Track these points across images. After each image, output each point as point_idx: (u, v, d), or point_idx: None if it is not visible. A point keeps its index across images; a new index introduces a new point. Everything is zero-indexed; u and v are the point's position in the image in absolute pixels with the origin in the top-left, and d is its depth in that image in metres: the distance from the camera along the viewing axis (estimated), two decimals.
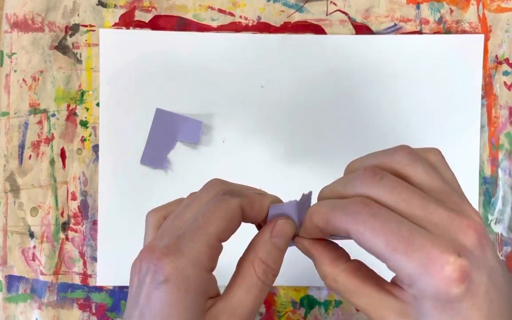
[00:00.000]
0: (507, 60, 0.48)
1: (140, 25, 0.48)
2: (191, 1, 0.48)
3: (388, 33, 0.48)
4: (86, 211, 0.48)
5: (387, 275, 0.26)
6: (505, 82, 0.48)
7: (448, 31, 0.48)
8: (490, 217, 0.48)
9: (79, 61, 0.48)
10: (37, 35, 0.48)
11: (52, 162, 0.48)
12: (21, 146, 0.48)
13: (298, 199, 0.30)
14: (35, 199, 0.48)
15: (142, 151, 0.48)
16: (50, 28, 0.48)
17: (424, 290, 0.24)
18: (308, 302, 0.48)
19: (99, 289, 0.48)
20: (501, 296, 0.24)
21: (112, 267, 0.47)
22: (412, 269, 0.23)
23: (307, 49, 0.48)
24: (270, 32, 0.48)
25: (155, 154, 0.48)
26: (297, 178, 0.48)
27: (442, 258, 0.23)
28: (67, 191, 0.48)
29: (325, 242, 0.29)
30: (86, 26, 0.48)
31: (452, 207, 0.25)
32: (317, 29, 0.48)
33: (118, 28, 0.48)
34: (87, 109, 0.48)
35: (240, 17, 0.48)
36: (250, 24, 0.48)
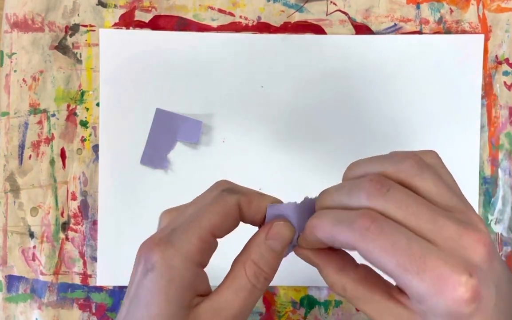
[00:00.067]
0: (507, 60, 0.48)
1: (140, 25, 0.48)
2: (191, 1, 0.48)
3: (388, 33, 0.48)
4: (86, 211, 0.48)
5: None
6: (505, 82, 0.48)
7: (448, 31, 0.48)
8: (490, 217, 0.48)
9: (79, 61, 0.48)
10: (37, 35, 0.48)
11: (52, 162, 0.48)
12: (21, 146, 0.48)
13: (298, 201, 0.29)
14: (35, 199, 0.48)
15: (142, 151, 0.48)
16: (50, 28, 0.48)
17: (435, 308, 0.23)
18: (308, 302, 0.48)
19: (99, 289, 0.48)
20: (507, 305, 0.24)
21: (112, 267, 0.47)
22: (424, 289, 0.23)
23: (307, 49, 0.48)
24: (270, 32, 0.48)
25: (155, 154, 0.48)
26: (297, 178, 0.48)
27: (454, 278, 0.23)
28: (67, 191, 0.48)
29: (329, 250, 0.28)
30: (86, 26, 0.48)
31: (460, 218, 0.25)
32: (317, 29, 0.48)
33: (118, 28, 0.48)
34: (87, 109, 0.48)
35: (240, 17, 0.48)
36: (250, 24, 0.48)
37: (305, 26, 0.48)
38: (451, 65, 0.48)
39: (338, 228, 0.25)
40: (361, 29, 0.48)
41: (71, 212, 0.48)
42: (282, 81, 0.48)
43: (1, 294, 0.47)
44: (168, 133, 0.47)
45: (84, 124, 0.48)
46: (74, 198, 0.48)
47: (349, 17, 0.48)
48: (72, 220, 0.48)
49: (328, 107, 0.48)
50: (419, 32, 0.48)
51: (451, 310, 0.23)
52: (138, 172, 0.48)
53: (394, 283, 0.26)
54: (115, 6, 0.48)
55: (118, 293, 0.48)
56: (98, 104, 0.48)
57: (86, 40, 0.48)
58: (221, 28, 0.48)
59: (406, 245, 0.23)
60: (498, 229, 0.48)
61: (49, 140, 0.48)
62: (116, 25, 0.48)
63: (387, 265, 0.23)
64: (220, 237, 0.28)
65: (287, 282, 0.47)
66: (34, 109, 0.48)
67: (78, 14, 0.48)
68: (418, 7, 0.48)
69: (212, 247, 0.28)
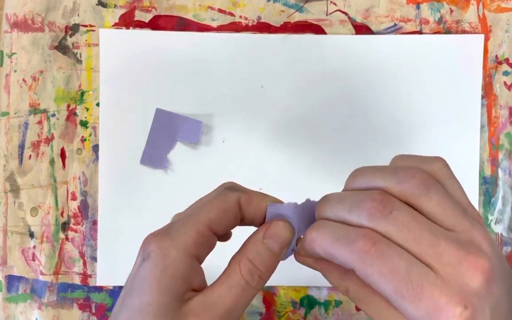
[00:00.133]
0: (507, 60, 0.48)
1: (140, 25, 0.48)
2: (191, 1, 0.48)
3: (388, 33, 0.48)
4: (86, 211, 0.48)
5: None
6: (505, 82, 0.48)
7: (448, 31, 0.48)
8: (490, 217, 0.48)
9: (79, 61, 0.48)
10: (37, 35, 0.48)
11: (52, 162, 0.48)
12: (21, 146, 0.48)
13: (299, 202, 0.29)
14: (35, 199, 0.48)
15: (142, 151, 0.48)
16: (50, 28, 0.48)
17: None
18: (308, 302, 0.48)
19: (99, 289, 0.48)
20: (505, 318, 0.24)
21: (112, 267, 0.47)
22: (418, 317, 0.23)
23: (307, 49, 0.48)
24: (270, 32, 0.48)
25: (155, 154, 0.48)
26: (297, 178, 0.48)
27: (448, 310, 0.23)
28: (67, 191, 0.48)
29: None
30: (86, 26, 0.48)
31: (463, 239, 0.24)
32: (317, 29, 0.48)
33: (118, 28, 0.48)
34: (87, 109, 0.48)
35: (240, 17, 0.48)
36: (250, 24, 0.48)
37: (305, 26, 0.48)
38: (451, 65, 0.48)
39: (336, 246, 0.25)
40: (361, 29, 0.48)
41: (71, 212, 0.48)
42: (282, 81, 0.48)
43: (1, 294, 0.47)
44: (168, 133, 0.47)
45: (84, 124, 0.48)
46: (74, 198, 0.48)
47: (349, 17, 0.48)
48: (72, 220, 0.48)
49: (328, 107, 0.48)
50: (419, 32, 0.48)
51: None
52: (138, 172, 0.48)
53: None
54: (115, 6, 0.48)
55: (118, 293, 0.48)
56: (98, 104, 0.48)
57: (86, 40, 0.48)
58: (221, 28, 0.48)
59: (405, 271, 0.23)
60: (498, 229, 0.48)
61: (49, 140, 0.48)
62: (116, 25, 0.48)
63: (385, 289, 0.24)
64: (219, 233, 0.28)
65: (287, 282, 0.47)
66: (34, 109, 0.48)
67: (78, 14, 0.48)
68: (418, 7, 0.48)
69: (210, 242, 0.28)
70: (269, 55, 0.48)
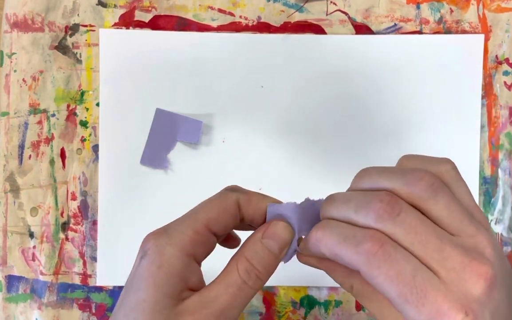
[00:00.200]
0: (507, 60, 0.48)
1: (140, 25, 0.48)
2: (191, 1, 0.48)
3: (388, 33, 0.48)
4: (86, 211, 0.48)
5: None
6: (505, 82, 0.48)
7: (448, 31, 0.48)
8: (490, 217, 0.48)
9: (79, 61, 0.48)
10: (37, 35, 0.48)
11: (52, 162, 0.48)
12: (21, 146, 0.48)
13: (298, 201, 0.29)
14: (35, 199, 0.48)
15: (142, 151, 0.48)
16: (50, 28, 0.48)
17: None
18: (308, 302, 0.48)
19: (99, 289, 0.48)
20: None
21: (112, 267, 0.47)
22: None
23: (307, 49, 0.48)
24: (270, 32, 0.48)
25: (155, 154, 0.48)
26: (297, 178, 0.48)
27: (450, 315, 0.23)
28: (67, 191, 0.48)
29: None
30: (86, 26, 0.48)
31: (468, 244, 0.24)
32: (317, 29, 0.48)
33: (118, 28, 0.48)
34: (87, 109, 0.48)
35: (240, 17, 0.48)
36: (250, 24, 0.48)
37: (305, 26, 0.48)
38: (451, 65, 0.48)
39: (343, 247, 0.25)
40: (361, 29, 0.48)
41: (71, 212, 0.48)
42: (282, 81, 0.48)
43: (1, 294, 0.47)
44: (168, 133, 0.47)
45: (84, 124, 0.48)
46: (74, 198, 0.48)
47: (349, 17, 0.48)
48: (72, 220, 0.48)
49: (328, 107, 0.48)
50: (419, 32, 0.48)
51: None
52: (138, 172, 0.48)
53: None
54: (115, 6, 0.48)
55: (118, 293, 0.48)
56: (98, 104, 0.48)
57: (86, 40, 0.48)
58: (221, 28, 0.48)
59: (410, 276, 0.23)
60: (498, 229, 0.48)
61: (49, 140, 0.48)
62: (116, 25, 0.48)
63: (389, 293, 0.24)
64: (218, 233, 0.28)
65: (287, 282, 0.47)
66: (34, 109, 0.48)
67: (78, 14, 0.48)
68: (418, 7, 0.48)
69: (208, 242, 0.28)
70: (269, 55, 0.48)
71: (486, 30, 0.48)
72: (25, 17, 0.48)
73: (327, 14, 0.49)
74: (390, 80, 0.48)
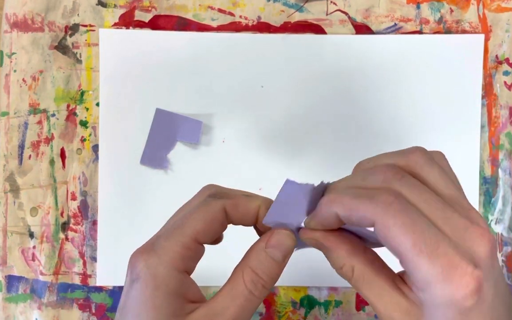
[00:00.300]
0: (507, 60, 0.48)
1: (140, 25, 0.48)
2: (191, 1, 0.48)
3: (388, 33, 0.48)
4: (86, 211, 0.48)
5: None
6: (505, 82, 0.48)
7: (448, 31, 0.48)
8: (490, 217, 0.48)
9: (79, 61, 0.48)
10: (37, 35, 0.48)
11: (52, 162, 0.48)
12: (21, 146, 0.48)
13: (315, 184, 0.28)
14: (35, 199, 0.48)
15: (142, 151, 0.47)
16: (50, 28, 0.48)
17: (438, 297, 0.24)
18: (308, 302, 0.48)
19: (99, 289, 0.48)
20: (503, 305, 0.25)
21: (112, 267, 0.47)
22: (432, 274, 0.23)
23: (307, 49, 0.48)
24: (270, 32, 0.48)
25: (155, 154, 0.48)
26: (297, 178, 0.47)
27: (462, 267, 0.23)
28: (67, 191, 0.48)
29: (339, 232, 0.28)
30: (86, 26, 0.48)
31: (465, 214, 0.25)
32: (317, 29, 0.48)
33: (118, 28, 0.48)
34: (87, 109, 0.48)
35: (240, 17, 0.48)
36: (250, 24, 0.48)
37: (305, 26, 0.48)
38: (451, 65, 0.48)
39: (359, 201, 0.25)
40: (361, 29, 0.48)
41: (71, 212, 0.48)
42: (282, 81, 0.48)
43: (1, 294, 0.47)
44: (168, 133, 0.47)
45: (84, 124, 0.48)
46: (74, 198, 0.48)
47: (349, 17, 0.48)
48: (72, 220, 0.48)
49: (328, 107, 0.48)
50: (419, 32, 0.48)
51: (455, 300, 0.23)
52: (138, 172, 0.48)
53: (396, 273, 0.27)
54: (115, 6, 0.48)
55: (118, 293, 0.48)
56: (98, 104, 0.48)
57: (86, 40, 0.48)
58: (221, 28, 0.48)
59: (425, 227, 0.24)
60: (498, 229, 0.48)
61: (49, 140, 0.48)
62: (116, 25, 0.48)
63: (403, 243, 0.24)
64: (206, 242, 0.28)
65: (287, 282, 0.47)
66: (34, 109, 0.48)
67: (78, 14, 0.48)
68: (418, 7, 0.48)
69: (198, 253, 0.28)
70: (269, 55, 0.48)
71: (486, 30, 0.48)
72: (25, 17, 0.48)
73: (327, 14, 0.49)
74: (390, 80, 0.48)
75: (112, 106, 0.48)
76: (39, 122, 0.48)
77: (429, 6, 0.48)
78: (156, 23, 0.48)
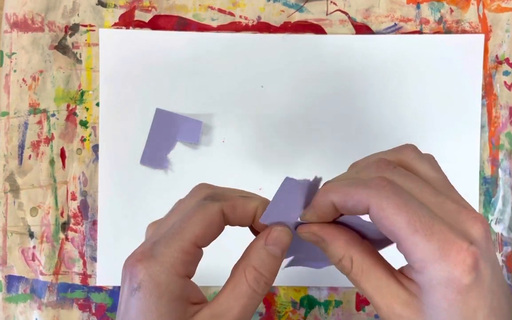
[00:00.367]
0: (507, 60, 0.48)
1: (140, 25, 0.48)
2: (191, 1, 0.48)
3: (388, 33, 0.48)
4: (86, 211, 0.48)
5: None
6: (505, 82, 0.48)
7: (448, 31, 0.48)
8: (490, 217, 0.48)
9: (79, 61, 0.48)
10: (37, 35, 0.48)
11: (52, 162, 0.48)
12: (21, 146, 0.48)
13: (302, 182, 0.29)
14: (35, 199, 0.48)
15: (142, 151, 0.47)
16: (50, 28, 0.48)
17: (436, 277, 0.24)
18: (308, 302, 0.48)
19: (99, 289, 0.48)
20: (501, 289, 0.25)
21: (112, 267, 0.47)
22: (429, 253, 0.24)
23: (307, 49, 0.48)
24: (270, 32, 0.48)
25: (155, 154, 0.48)
26: (297, 178, 0.48)
27: (457, 243, 0.24)
28: (67, 191, 0.48)
29: (335, 224, 0.28)
30: (86, 26, 0.48)
31: (457, 201, 0.26)
32: (317, 29, 0.48)
33: (118, 28, 0.48)
34: (87, 109, 0.48)
35: (240, 17, 0.48)
36: (250, 24, 0.48)
37: (305, 26, 0.48)
38: (451, 65, 0.48)
39: (354, 186, 0.26)
40: (361, 29, 0.48)
41: (71, 212, 0.48)
42: (282, 81, 0.48)
43: (1, 294, 0.47)
44: (168, 133, 0.47)
45: (84, 124, 0.48)
46: (74, 198, 0.48)
47: (349, 17, 0.48)
48: (72, 220, 0.48)
49: (328, 107, 0.48)
50: (419, 32, 0.48)
51: (452, 278, 0.24)
52: (138, 172, 0.48)
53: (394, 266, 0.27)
54: (115, 6, 0.48)
55: (118, 293, 0.48)
56: (98, 104, 0.48)
57: (86, 40, 0.48)
58: (221, 28, 0.48)
59: (417, 208, 0.24)
60: (498, 229, 0.48)
61: (49, 140, 0.48)
62: (116, 25, 0.48)
63: (398, 223, 0.24)
64: (204, 246, 0.28)
65: (287, 282, 0.47)
66: (34, 109, 0.48)
67: (78, 14, 0.48)
68: (418, 7, 0.48)
69: (197, 256, 0.28)
70: (269, 55, 0.48)
71: (486, 30, 0.48)
72: (25, 17, 0.48)
73: (327, 14, 0.49)
74: (390, 80, 0.48)
75: (112, 106, 0.48)
76: (39, 122, 0.48)
77: (429, 6, 0.48)
78: (156, 23, 0.48)
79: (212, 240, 0.28)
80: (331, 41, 0.48)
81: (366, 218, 0.26)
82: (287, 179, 0.28)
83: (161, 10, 0.48)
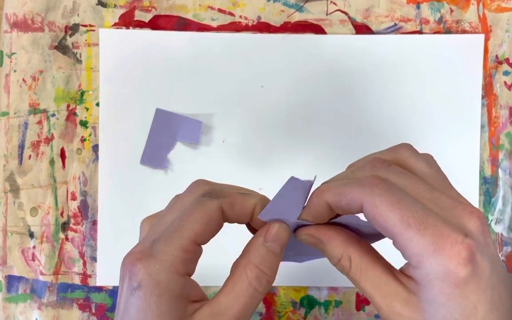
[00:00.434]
0: (507, 60, 0.48)
1: (140, 25, 0.48)
2: (191, 1, 0.48)
3: (388, 33, 0.48)
4: (86, 211, 0.48)
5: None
6: (505, 82, 0.48)
7: (448, 31, 0.48)
8: (490, 217, 0.48)
9: (79, 61, 0.48)
10: (37, 35, 0.48)
11: (52, 162, 0.48)
12: (21, 146, 0.48)
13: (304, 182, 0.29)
14: (35, 199, 0.48)
15: (142, 151, 0.47)
16: (50, 28, 0.48)
17: (432, 271, 0.24)
18: (308, 302, 0.48)
19: (99, 289, 0.48)
20: (502, 284, 0.25)
21: (112, 267, 0.47)
22: (423, 247, 0.24)
23: (307, 49, 0.48)
24: (270, 32, 0.48)
25: (155, 154, 0.48)
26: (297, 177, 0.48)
27: (452, 237, 0.24)
28: (67, 191, 0.48)
29: (331, 225, 0.28)
30: (86, 26, 0.48)
31: (453, 197, 0.26)
32: (317, 29, 0.48)
33: (118, 28, 0.48)
34: (87, 109, 0.48)
35: (240, 17, 0.48)
36: (250, 24, 0.48)
37: (305, 26, 0.48)
38: (451, 65, 0.48)
39: (347, 186, 0.26)
40: (361, 29, 0.48)
41: (71, 212, 0.48)
42: (282, 81, 0.48)
43: (1, 294, 0.47)
44: (168, 133, 0.47)
45: (84, 124, 0.48)
46: (74, 198, 0.48)
47: (349, 17, 0.48)
48: (72, 220, 0.48)
49: (328, 107, 0.48)
50: (419, 32, 0.48)
51: (447, 271, 0.23)
52: (138, 172, 0.48)
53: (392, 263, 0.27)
54: (115, 6, 0.48)
55: (118, 293, 0.47)
56: (98, 104, 0.48)
57: (86, 40, 0.48)
58: (221, 28, 0.48)
59: (410, 204, 0.24)
60: (498, 229, 0.48)
61: (49, 140, 0.48)
62: (116, 25, 0.48)
63: (391, 219, 0.24)
64: (204, 243, 0.28)
65: (287, 282, 0.47)
66: (34, 109, 0.48)
67: (78, 14, 0.48)
68: (418, 7, 0.48)
69: (196, 254, 0.28)
70: (269, 55, 0.48)
71: (486, 30, 0.48)
72: (25, 17, 0.48)
73: (327, 14, 0.49)
74: (390, 80, 0.48)
75: (112, 106, 0.48)
76: (39, 122, 0.48)
77: (429, 6, 0.48)
78: (156, 23, 0.48)
79: (211, 237, 0.28)
80: (331, 41, 0.48)
81: (362, 217, 0.27)
82: (292, 178, 0.28)
83: (161, 10, 0.48)
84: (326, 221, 0.28)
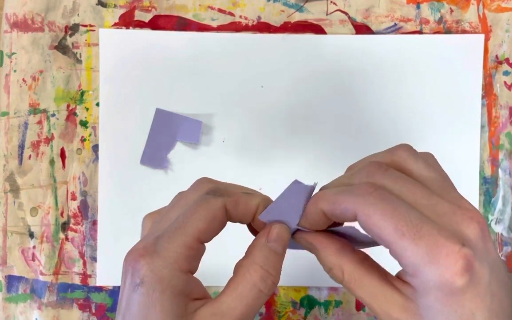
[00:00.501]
0: (507, 60, 0.48)
1: (140, 25, 0.48)
2: (191, 1, 0.48)
3: (388, 33, 0.48)
4: (86, 211, 0.48)
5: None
6: (505, 82, 0.48)
7: (448, 31, 0.48)
8: (490, 217, 0.48)
9: (79, 61, 0.48)
10: (37, 35, 0.48)
11: (52, 162, 0.48)
12: (21, 146, 0.48)
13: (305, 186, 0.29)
14: (35, 199, 0.48)
15: (142, 151, 0.47)
16: (50, 28, 0.48)
17: (428, 280, 0.24)
18: (308, 302, 0.48)
19: (99, 289, 0.48)
20: (502, 290, 0.24)
21: (112, 267, 0.47)
22: (418, 257, 0.23)
23: (307, 49, 0.48)
24: (270, 32, 0.48)
25: (155, 154, 0.48)
26: (297, 178, 0.48)
27: (447, 246, 0.23)
28: (67, 191, 0.48)
29: (327, 233, 0.28)
30: (86, 26, 0.48)
31: (453, 201, 0.25)
32: (317, 29, 0.48)
33: (118, 28, 0.48)
34: (87, 109, 0.48)
35: (240, 17, 0.48)
36: (250, 24, 0.48)
37: (305, 26, 0.48)
38: (451, 65, 0.48)
39: (341, 194, 0.26)
40: (361, 29, 0.48)
41: (71, 212, 0.48)
42: (282, 81, 0.48)
43: (1, 294, 0.47)
44: (168, 133, 0.47)
45: (84, 124, 0.48)
46: (74, 198, 0.48)
47: (349, 17, 0.48)
48: (72, 220, 0.48)
49: (328, 107, 0.48)
50: (419, 32, 0.48)
51: (445, 281, 0.23)
52: (138, 172, 0.48)
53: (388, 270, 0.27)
54: (115, 6, 0.48)
55: (118, 293, 0.48)
56: (98, 104, 0.48)
57: (86, 40, 0.48)
58: (221, 28, 0.48)
59: (405, 212, 0.24)
60: (498, 229, 0.48)
61: (49, 140, 0.48)
62: (116, 25, 0.48)
63: (385, 229, 0.24)
64: (207, 241, 0.28)
65: (287, 282, 0.47)
66: (34, 109, 0.48)
67: (78, 14, 0.48)
68: (418, 7, 0.48)
69: (200, 252, 0.28)
70: (269, 55, 0.48)
71: (486, 30, 0.48)
72: (25, 17, 0.48)
73: (327, 14, 0.49)
74: (390, 80, 0.48)
75: (112, 106, 0.48)
76: (39, 122, 0.48)
77: (429, 6, 0.48)
78: (156, 23, 0.48)
79: (215, 236, 0.28)
80: (331, 41, 0.48)
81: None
82: (296, 182, 0.28)
83: (161, 10, 0.48)
84: (323, 228, 0.28)
